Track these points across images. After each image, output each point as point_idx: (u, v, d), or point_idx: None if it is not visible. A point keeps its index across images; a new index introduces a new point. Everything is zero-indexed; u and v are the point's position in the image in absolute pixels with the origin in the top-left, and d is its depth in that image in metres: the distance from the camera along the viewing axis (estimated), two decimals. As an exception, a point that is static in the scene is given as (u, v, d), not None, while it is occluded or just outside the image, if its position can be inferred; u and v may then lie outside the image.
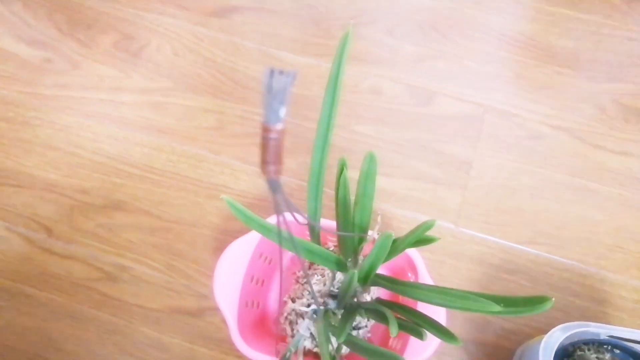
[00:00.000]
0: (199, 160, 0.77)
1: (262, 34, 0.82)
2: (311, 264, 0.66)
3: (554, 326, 0.61)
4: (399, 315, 0.42)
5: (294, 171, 0.76)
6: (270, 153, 0.19)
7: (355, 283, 0.41)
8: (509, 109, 0.81)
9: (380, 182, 0.75)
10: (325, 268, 0.64)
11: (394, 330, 0.37)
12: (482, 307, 0.33)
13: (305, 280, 0.63)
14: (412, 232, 0.40)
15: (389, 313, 0.40)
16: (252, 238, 0.59)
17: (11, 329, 0.72)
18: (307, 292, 0.62)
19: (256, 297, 0.64)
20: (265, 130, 0.19)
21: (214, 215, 0.75)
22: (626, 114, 0.81)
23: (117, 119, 0.79)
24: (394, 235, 0.40)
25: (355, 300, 0.53)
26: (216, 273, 0.57)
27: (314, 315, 0.59)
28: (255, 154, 0.77)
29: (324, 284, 0.61)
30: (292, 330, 0.63)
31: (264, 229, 0.41)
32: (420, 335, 0.38)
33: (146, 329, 0.71)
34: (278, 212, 0.24)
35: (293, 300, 0.64)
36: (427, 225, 0.38)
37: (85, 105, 0.80)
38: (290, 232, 0.34)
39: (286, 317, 0.65)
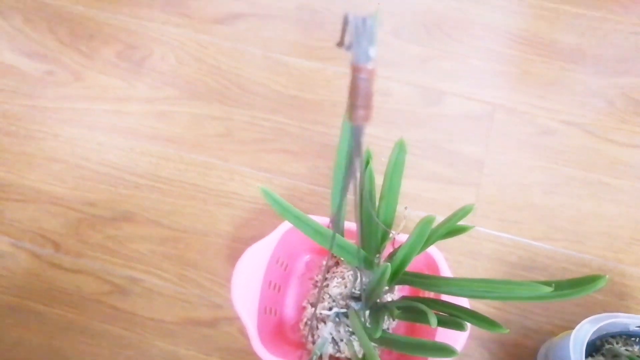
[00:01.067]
0: (208, 168, 0.76)
1: (267, 39, 0.82)
2: (333, 266, 0.65)
3: (575, 323, 0.60)
4: (434, 311, 0.41)
5: (305, 175, 0.75)
6: (360, 96, 0.18)
7: (387, 278, 0.40)
8: (518, 106, 0.81)
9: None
10: (345, 271, 0.62)
11: (433, 322, 0.36)
12: (530, 290, 0.31)
13: (325, 283, 0.62)
14: (448, 219, 0.39)
15: (423, 307, 0.39)
16: (269, 242, 0.58)
17: (20, 347, 0.69)
18: (328, 296, 0.60)
19: (274, 304, 0.63)
20: (355, 70, 0.18)
21: (225, 223, 0.73)
22: (636, 107, 0.80)
23: (123, 129, 0.78)
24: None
25: (378, 301, 0.51)
26: (234, 280, 0.55)
27: (337, 319, 0.57)
28: (264, 159, 0.76)
29: (345, 287, 0.59)
30: (313, 336, 0.61)
31: (299, 221, 0.40)
32: (461, 327, 0.37)
33: (160, 342, 0.69)
34: (354, 167, 0.23)
35: (313, 306, 0.63)
36: (466, 210, 0.37)
37: (89, 117, 0.78)
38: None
39: (306, 323, 0.63)
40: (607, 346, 0.59)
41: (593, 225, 0.74)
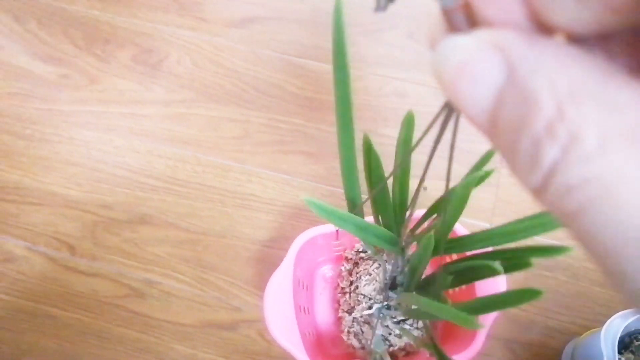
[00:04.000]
0: (225, 170, 0.75)
1: (283, 42, 0.82)
2: (353, 268, 0.64)
3: (598, 322, 0.59)
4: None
5: (323, 176, 0.75)
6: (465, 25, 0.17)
7: (431, 249, 0.39)
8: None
9: (412, 184, 0.73)
10: (368, 267, 0.61)
11: (499, 269, 0.35)
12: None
13: (354, 285, 0.61)
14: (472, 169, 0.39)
15: (482, 262, 0.39)
16: (287, 266, 0.56)
17: (35, 352, 0.68)
18: (362, 297, 0.59)
19: (309, 327, 0.62)
20: (450, 13, 0.17)
21: (243, 224, 0.73)
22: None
23: (139, 132, 0.77)
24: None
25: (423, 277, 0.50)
26: (267, 316, 0.53)
27: (381, 314, 0.56)
28: (282, 161, 0.75)
29: (376, 281, 0.58)
30: (360, 341, 0.60)
31: (344, 222, 0.39)
32: (527, 264, 0.36)
33: (178, 345, 0.68)
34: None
35: (350, 312, 0.61)
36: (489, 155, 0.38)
37: (105, 120, 0.78)
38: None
39: (349, 331, 0.62)
40: (637, 343, 0.58)
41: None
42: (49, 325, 0.69)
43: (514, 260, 0.37)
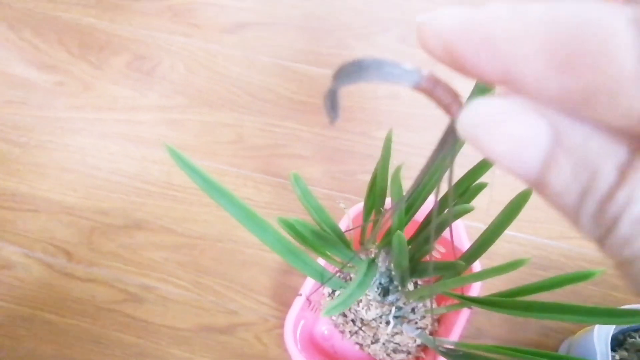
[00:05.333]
0: (220, 175, 0.75)
1: (276, 47, 0.82)
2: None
3: (595, 320, 0.60)
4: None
5: (318, 180, 0.75)
6: (444, 97, 0.17)
7: (405, 243, 0.40)
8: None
9: (406, 186, 0.74)
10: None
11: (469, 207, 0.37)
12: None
13: (358, 325, 0.61)
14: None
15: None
16: (295, 309, 0.56)
17: (33, 358, 0.68)
18: (373, 321, 0.58)
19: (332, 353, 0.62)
20: (420, 89, 0.17)
21: (239, 228, 0.73)
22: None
23: (134, 138, 0.77)
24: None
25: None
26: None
27: (398, 325, 0.56)
28: (277, 165, 0.76)
29: (370, 301, 0.58)
30: (404, 351, 0.61)
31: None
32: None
33: (176, 349, 0.68)
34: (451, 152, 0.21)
35: (375, 342, 0.61)
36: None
37: (100, 126, 0.78)
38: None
39: (389, 354, 0.62)
40: (630, 340, 0.58)
41: (607, 223, 0.74)
42: (47, 331, 0.70)
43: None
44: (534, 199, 0.74)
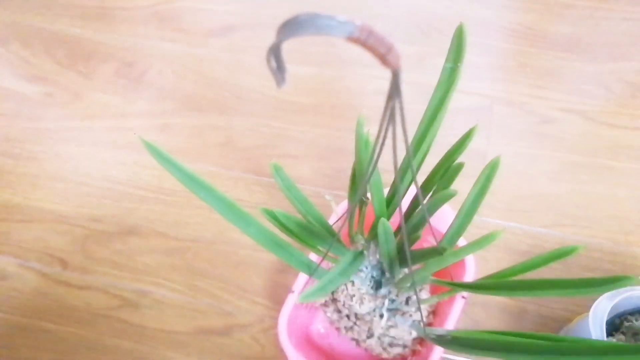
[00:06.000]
0: (212, 177, 0.76)
1: (262, 48, 0.83)
2: (335, 307, 0.63)
3: (591, 308, 0.59)
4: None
5: (309, 178, 0.75)
6: (378, 47, 0.17)
7: (392, 231, 0.40)
8: (517, 97, 0.81)
9: (387, 180, 0.74)
10: (346, 291, 0.60)
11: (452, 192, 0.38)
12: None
13: (352, 320, 0.60)
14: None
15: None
16: (288, 306, 0.56)
17: (31, 367, 0.68)
18: (367, 314, 0.58)
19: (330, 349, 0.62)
20: (353, 40, 0.17)
21: (232, 230, 0.73)
22: (633, 91, 0.81)
23: (125, 145, 0.78)
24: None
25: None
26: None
27: (392, 317, 0.56)
28: (267, 165, 0.76)
29: (362, 295, 0.58)
30: (400, 344, 0.60)
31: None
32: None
33: (173, 353, 0.68)
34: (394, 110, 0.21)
35: (370, 336, 0.61)
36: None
37: (90, 135, 0.79)
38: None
39: (385, 348, 0.61)
40: (627, 324, 0.58)
41: (601, 209, 0.73)
42: (44, 339, 0.70)
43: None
44: (525, 188, 0.74)
